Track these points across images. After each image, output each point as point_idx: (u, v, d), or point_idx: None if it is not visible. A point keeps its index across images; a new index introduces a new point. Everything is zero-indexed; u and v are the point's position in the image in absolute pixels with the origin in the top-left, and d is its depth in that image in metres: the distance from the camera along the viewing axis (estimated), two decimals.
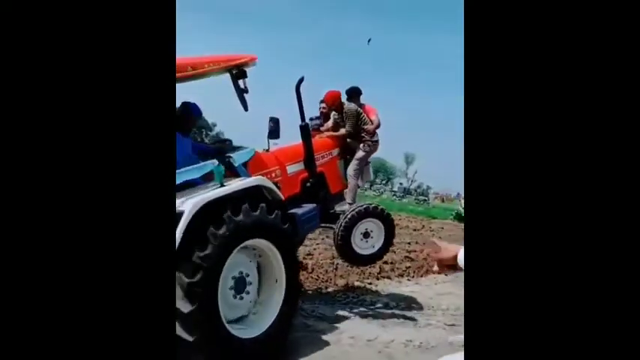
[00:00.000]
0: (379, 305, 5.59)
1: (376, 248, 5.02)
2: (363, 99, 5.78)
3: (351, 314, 5.15)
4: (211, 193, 3.53)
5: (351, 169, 5.39)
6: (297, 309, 4.34)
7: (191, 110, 4.29)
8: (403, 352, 4.20)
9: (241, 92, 4.23)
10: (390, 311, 5.39)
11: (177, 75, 3.63)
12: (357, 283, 6.48)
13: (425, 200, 37.22)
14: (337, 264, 6.88)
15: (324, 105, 5.65)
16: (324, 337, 4.39)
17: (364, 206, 4.99)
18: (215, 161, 3.86)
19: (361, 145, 5.43)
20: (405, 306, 5.61)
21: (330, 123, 5.59)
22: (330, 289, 6.17)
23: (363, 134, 5.42)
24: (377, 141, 5.53)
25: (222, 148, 4.40)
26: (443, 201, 38.72)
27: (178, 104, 4.32)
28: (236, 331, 3.62)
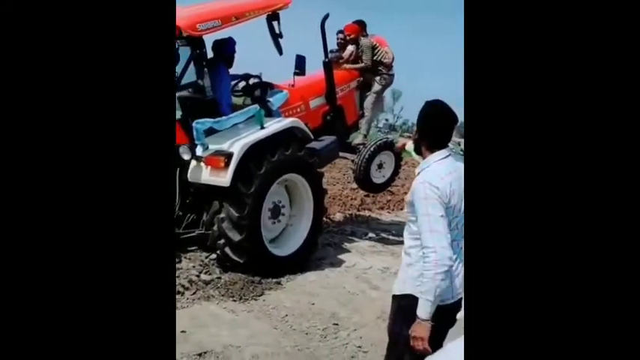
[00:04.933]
0: (359, 235, 5.78)
1: (386, 178, 5.63)
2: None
3: (332, 243, 5.34)
4: (255, 135, 4.13)
5: (368, 101, 5.72)
6: (322, 231, 4.93)
7: (230, 44, 4.59)
8: (380, 278, 4.43)
9: (276, 37, 4.56)
10: (369, 241, 5.60)
11: (224, 26, 4.10)
12: (338, 214, 6.64)
13: (409, 136, 37.30)
14: None
15: (341, 36, 5.83)
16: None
17: (383, 140, 5.57)
18: (256, 106, 4.34)
19: (378, 78, 5.68)
20: (383, 236, 5.82)
21: (347, 53, 5.78)
22: None
23: (380, 67, 5.66)
24: (393, 75, 5.78)
25: (256, 87, 4.85)
26: None
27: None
28: (274, 249, 4.34)
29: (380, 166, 5.53)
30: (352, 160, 5.53)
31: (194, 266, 4.14)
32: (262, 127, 4.24)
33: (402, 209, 7.59)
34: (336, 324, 3.54)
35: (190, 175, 4.09)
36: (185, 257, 4.28)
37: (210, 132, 4.13)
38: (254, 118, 4.30)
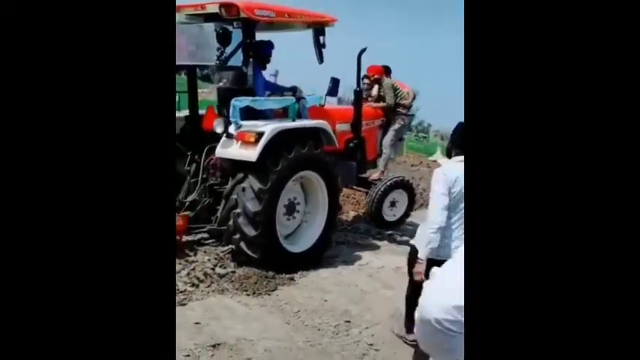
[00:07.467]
0: (373, 234, 5.79)
1: (396, 217, 5.81)
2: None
3: (346, 241, 5.36)
4: (285, 123, 4.37)
5: (387, 139, 6.00)
6: (336, 229, 5.03)
7: (268, 46, 4.81)
8: (393, 277, 4.43)
9: (320, 47, 4.93)
10: (382, 240, 5.60)
11: (277, 19, 4.45)
12: (352, 213, 6.65)
13: (425, 137, 37.11)
14: None
15: (367, 80, 6.20)
16: None
17: (400, 178, 5.79)
18: (293, 98, 4.61)
19: (397, 117, 6.03)
20: (397, 236, 5.81)
21: (374, 92, 6.15)
22: None
23: (399, 109, 6.00)
24: (412, 115, 6.21)
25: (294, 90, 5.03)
26: (442, 139, 38.49)
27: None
28: (288, 246, 4.42)
29: (393, 203, 5.71)
30: (366, 193, 5.72)
31: (209, 259, 4.19)
32: (293, 120, 4.49)
33: (414, 210, 7.57)
34: (348, 321, 3.56)
35: (219, 150, 4.24)
36: (200, 250, 4.34)
37: (246, 113, 4.29)
38: (287, 113, 4.56)
